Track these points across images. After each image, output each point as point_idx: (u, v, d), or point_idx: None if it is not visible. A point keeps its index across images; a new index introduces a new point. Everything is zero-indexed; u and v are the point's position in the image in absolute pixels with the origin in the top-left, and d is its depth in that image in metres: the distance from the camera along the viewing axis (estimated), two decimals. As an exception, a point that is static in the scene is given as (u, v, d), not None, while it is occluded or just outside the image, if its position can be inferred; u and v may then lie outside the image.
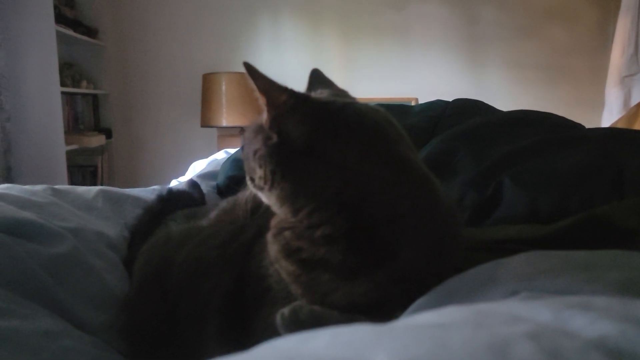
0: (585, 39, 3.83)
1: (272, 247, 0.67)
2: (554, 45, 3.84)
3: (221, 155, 2.12)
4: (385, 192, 0.61)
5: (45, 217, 0.92)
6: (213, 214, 0.88)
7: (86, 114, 3.74)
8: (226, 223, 0.82)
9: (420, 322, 0.30)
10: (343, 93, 0.75)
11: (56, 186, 1.16)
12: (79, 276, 0.84)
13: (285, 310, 0.62)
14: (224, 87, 3.43)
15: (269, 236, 0.68)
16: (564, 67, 3.85)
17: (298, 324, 0.60)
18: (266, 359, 0.28)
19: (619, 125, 2.47)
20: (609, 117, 3.28)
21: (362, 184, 0.61)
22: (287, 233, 0.65)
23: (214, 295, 0.74)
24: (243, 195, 0.80)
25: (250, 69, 0.63)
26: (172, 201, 1.18)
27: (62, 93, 3.18)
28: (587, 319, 0.27)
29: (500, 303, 0.34)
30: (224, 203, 0.89)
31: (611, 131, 1.28)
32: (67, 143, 3.22)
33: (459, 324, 0.27)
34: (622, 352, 0.24)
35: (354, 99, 0.73)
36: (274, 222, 0.68)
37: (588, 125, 1.42)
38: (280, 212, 0.66)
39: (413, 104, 3.10)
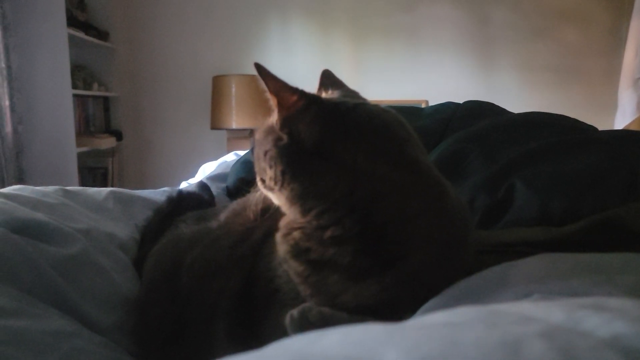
0: (597, 41, 3.80)
1: (281, 248, 0.67)
2: (566, 47, 3.81)
3: (231, 157, 2.12)
4: (395, 193, 0.61)
5: (56, 218, 0.93)
6: (223, 216, 0.88)
7: (97, 116, 3.77)
8: (236, 225, 0.82)
9: (431, 321, 0.29)
10: (354, 94, 0.75)
11: (67, 187, 1.17)
12: (90, 277, 0.85)
13: (295, 312, 0.62)
14: (233, 90, 3.44)
15: (278, 236, 0.68)
16: (576, 69, 3.82)
17: (307, 325, 0.60)
18: (277, 358, 0.28)
19: (632, 128, 2.44)
20: (622, 119, 3.25)
21: (372, 184, 0.61)
22: (296, 233, 0.65)
23: (223, 296, 0.74)
24: (253, 197, 0.80)
25: (262, 70, 0.63)
26: (182, 203, 1.18)
27: (74, 95, 3.20)
28: (600, 319, 0.26)
29: (513, 304, 0.34)
30: (234, 205, 0.89)
31: (624, 133, 1.26)
32: (78, 145, 3.24)
33: (471, 323, 0.27)
34: (637, 352, 0.23)
35: (365, 99, 0.73)
36: (283, 223, 0.68)
37: (601, 127, 1.41)
38: (289, 212, 0.66)
39: (423, 106, 3.09)
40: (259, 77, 0.64)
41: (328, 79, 0.78)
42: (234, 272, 0.75)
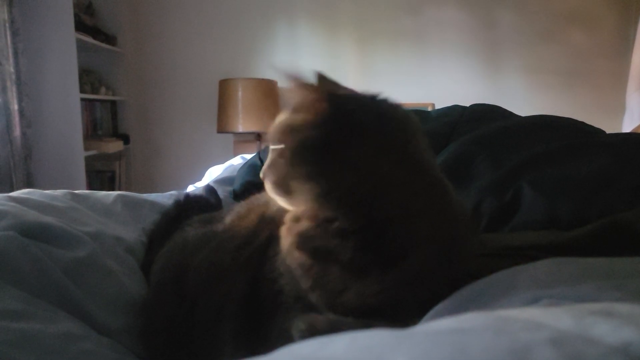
0: (605, 43, 3.78)
1: (285, 241, 0.67)
2: (573, 49, 3.80)
3: (237, 160, 2.12)
4: (397, 191, 0.62)
5: (65, 221, 0.94)
6: (228, 219, 0.88)
7: (105, 120, 3.79)
8: (241, 228, 0.82)
9: (439, 328, 0.29)
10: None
11: (76, 191, 1.18)
12: (98, 279, 0.85)
13: (301, 324, 0.62)
14: (240, 93, 3.45)
15: (283, 230, 0.68)
16: (583, 72, 3.80)
17: (315, 333, 0.60)
18: (285, 363, 0.28)
19: (640, 131, 2.43)
20: (630, 122, 3.22)
21: (375, 181, 0.61)
22: (301, 225, 0.66)
23: (229, 300, 0.74)
24: (257, 200, 0.81)
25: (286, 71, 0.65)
26: (189, 206, 1.19)
27: (81, 99, 3.22)
28: (609, 325, 0.26)
29: (521, 310, 0.33)
30: (239, 207, 0.90)
31: (632, 136, 1.26)
32: (86, 149, 3.26)
33: (480, 330, 0.27)
34: (646, 360, 0.23)
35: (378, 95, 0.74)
36: (287, 217, 0.69)
37: (608, 130, 1.40)
38: (296, 207, 0.66)
39: (430, 109, 3.09)
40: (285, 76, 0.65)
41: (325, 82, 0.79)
42: (239, 275, 0.75)
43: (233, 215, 0.88)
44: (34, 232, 0.84)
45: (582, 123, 1.41)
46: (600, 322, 0.27)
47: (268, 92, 3.51)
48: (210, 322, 0.75)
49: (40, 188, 1.14)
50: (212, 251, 0.82)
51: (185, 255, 0.86)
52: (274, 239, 0.72)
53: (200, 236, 0.89)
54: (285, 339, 0.61)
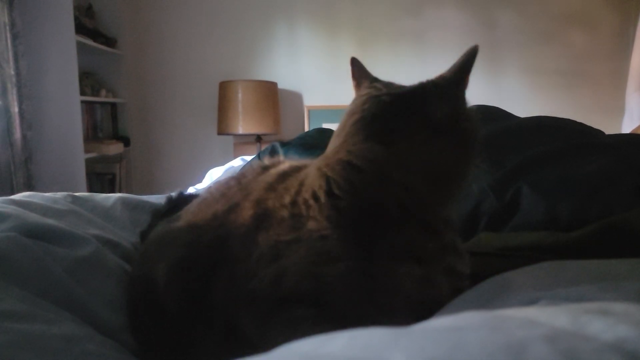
0: (604, 44, 3.79)
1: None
2: (573, 50, 3.80)
3: (238, 162, 2.13)
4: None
5: (66, 224, 0.94)
6: (184, 218, 0.86)
7: (105, 122, 3.80)
8: (200, 226, 0.80)
9: (436, 326, 0.30)
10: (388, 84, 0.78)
11: (76, 194, 1.18)
12: (101, 278, 0.86)
13: None
14: (240, 95, 3.45)
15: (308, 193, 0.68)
16: (583, 73, 3.81)
17: None
18: (284, 361, 0.28)
19: None
20: (630, 123, 3.23)
21: None
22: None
23: (217, 299, 0.72)
24: (210, 193, 0.81)
25: None
26: (181, 204, 1.15)
27: (82, 102, 3.23)
28: (605, 323, 0.27)
29: (518, 309, 0.34)
30: (193, 206, 0.88)
31: (632, 137, 1.26)
32: (86, 151, 3.27)
33: (476, 327, 0.28)
34: (640, 356, 0.24)
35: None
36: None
37: (608, 131, 1.41)
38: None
39: (429, 110, 3.08)
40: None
41: (358, 68, 0.84)
42: (222, 272, 0.73)
43: (188, 214, 0.85)
44: (36, 233, 0.85)
45: (582, 124, 1.41)
46: (595, 319, 0.27)
47: (268, 94, 3.52)
48: (198, 325, 0.74)
49: (40, 190, 1.14)
50: (182, 258, 0.77)
51: (149, 260, 0.82)
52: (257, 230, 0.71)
53: (158, 238, 0.86)
54: (282, 335, 0.61)
